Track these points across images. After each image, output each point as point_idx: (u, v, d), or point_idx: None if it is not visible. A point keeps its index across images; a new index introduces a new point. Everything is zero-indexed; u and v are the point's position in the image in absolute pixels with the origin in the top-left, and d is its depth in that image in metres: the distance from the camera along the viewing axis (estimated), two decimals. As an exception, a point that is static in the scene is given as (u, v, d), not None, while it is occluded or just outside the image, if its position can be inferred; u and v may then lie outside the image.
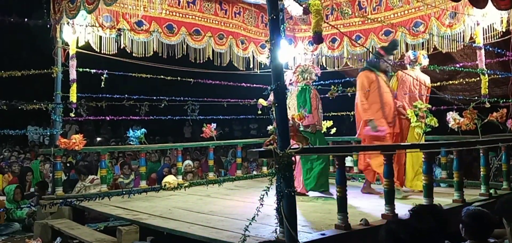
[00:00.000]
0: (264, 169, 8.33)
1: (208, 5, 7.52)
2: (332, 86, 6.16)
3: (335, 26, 7.21)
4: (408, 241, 2.82)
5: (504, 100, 6.23)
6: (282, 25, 3.97)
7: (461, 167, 5.34)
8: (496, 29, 6.22)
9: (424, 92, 6.40)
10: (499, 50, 6.30)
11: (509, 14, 6.01)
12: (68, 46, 6.26)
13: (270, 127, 6.97)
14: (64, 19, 6.01)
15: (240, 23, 7.93)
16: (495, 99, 6.16)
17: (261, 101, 7.56)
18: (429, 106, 6.21)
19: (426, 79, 6.49)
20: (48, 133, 6.75)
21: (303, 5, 5.13)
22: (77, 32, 6.24)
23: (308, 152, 5.82)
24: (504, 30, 6.16)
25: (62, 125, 6.46)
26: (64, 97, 6.18)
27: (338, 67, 8.16)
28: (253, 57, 8.13)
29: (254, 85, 7.74)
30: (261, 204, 3.57)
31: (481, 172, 5.67)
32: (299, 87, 6.35)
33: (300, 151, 3.80)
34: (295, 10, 6.00)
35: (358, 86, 6.12)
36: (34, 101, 5.66)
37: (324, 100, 6.69)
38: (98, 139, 14.88)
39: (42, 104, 5.75)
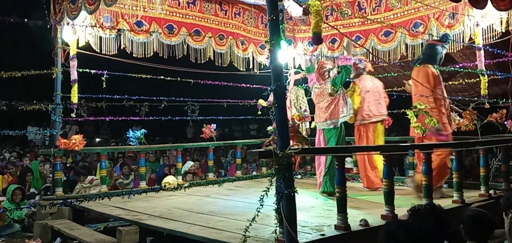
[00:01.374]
0: (264, 169, 8.33)
1: (208, 5, 7.53)
2: (332, 87, 6.19)
3: (335, 27, 7.22)
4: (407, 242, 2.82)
5: (504, 100, 6.23)
6: (281, 26, 3.96)
7: (461, 168, 5.34)
8: (495, 30, 6.23)
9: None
10: (498, 51, 6.30)
11: (508, 15, 6.02)
12: (68, 46, 6.26)
13: (270, 128, 6.99)
14: (65, 20, 6.01)
15: (240, 23, 7.94)
16: (495, 100, 6.16)
17: (261, 101, 7.58)
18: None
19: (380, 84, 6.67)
20: (48, 133, 6.74)
21: (303, 6, 5.15)
22: (77, 32, 6.24)
23: (307, 152, 5.83)
24: (503, 30, 6.17)
25: (62, 126, 6.46)
26: (64, 97, 6.18)
27: (337, 68, 8.15)
28: (253, 57, 8.14)
29: (254, 85, 7.75)
30: (261, 205, 3.57)
31: (481, 173, 5.66)
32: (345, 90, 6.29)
33: (299, 151, 3.80)
34: (295, 10, 6.03)
35: (423, 81, 5.70)
36: (34, 101, 5.66)
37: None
38: (98, 139, 14.87)
39: (42, 105, 5.74)
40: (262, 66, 8.23)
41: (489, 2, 5.57)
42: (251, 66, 8.08)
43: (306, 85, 7.60)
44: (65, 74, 6.21)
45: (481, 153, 5.64)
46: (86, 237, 5.02)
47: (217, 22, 7.66)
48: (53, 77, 6.11)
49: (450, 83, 7.64)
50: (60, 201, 5.72)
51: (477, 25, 6.34)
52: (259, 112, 7.67)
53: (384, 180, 4.51)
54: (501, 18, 6.10)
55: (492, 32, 6.27)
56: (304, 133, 7.65)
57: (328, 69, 6.33)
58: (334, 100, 6.14)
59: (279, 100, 3.58)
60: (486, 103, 6.29)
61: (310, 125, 8.01)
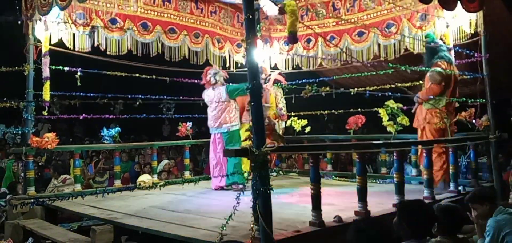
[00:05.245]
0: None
1: (183, 3, 7.48)
2: (307, 86, 6.25)
3: (310, 27, 7.28)
4: (377, 240, 2.89)
5: (472, 100, 6.42)
6: (258, 25, 4.00)
7: (431, 165, 5.49)
8: (464, 31, 6.40)
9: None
10: (467, 51, 6.49)
11: (477, 17, 6.20)
12: (41, 43, 6.14)
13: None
14: (36, 16, 5.90)
15: (216, 22, 7.92)
16: (464, 99, 6.34)
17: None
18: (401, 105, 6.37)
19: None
20: (20, 132, 6.60)
21: (279, 5, 5.20)
22: (49, 29, 6.13)
23: (284, 150, 5.89)
24: (472, 32, 6.34)
25: (35, 124, 6.33)
26: (36, 95, 6.06)
27: (312, 67, 8.25)
28: (229, 56, 8.15)
29: (231, 84, 7.75)
30: (238, 203, 3.60)
31: (451, 170, 5.84)
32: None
33: (275, 149, 3.84)
34: (270, 10, 6.08)
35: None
36: (4, 99, 5.53)
37: (299, 99, 6.77)
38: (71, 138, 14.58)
39: (13, 102, 5.62)
40: (238, 65, 8.25)
41: (458, 4, 5.73)
42: (227, 65, 8.08)
43: (281, 84, 7.66)
44: (37, 71, 6.09)
45: (451, 150, 5.81)
46: (59, 236, 4.94)
47: (192, 20, 7.61)
48: (25, 74, 5.98)
49: (421, 82, 7.81)
50: (32, 200, 5.61)
51: (447, 26, 6.50)
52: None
53: (357, 177, 4.60)
54: (470, 20, 6.27)
55: (462, 33, 6.44)
56: (280, 132, 7.71)
57: (212, 74, 6.68)
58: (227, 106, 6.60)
59: (255, 98, 3.61)
60: (456, 102, 6.46)
61: (285, 124, 8.08)
